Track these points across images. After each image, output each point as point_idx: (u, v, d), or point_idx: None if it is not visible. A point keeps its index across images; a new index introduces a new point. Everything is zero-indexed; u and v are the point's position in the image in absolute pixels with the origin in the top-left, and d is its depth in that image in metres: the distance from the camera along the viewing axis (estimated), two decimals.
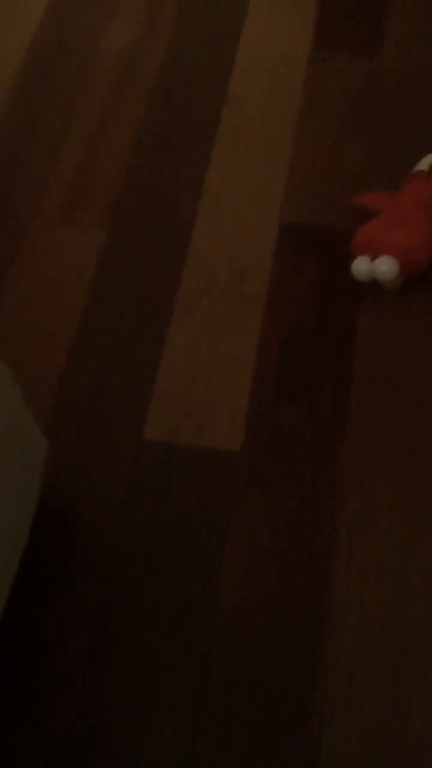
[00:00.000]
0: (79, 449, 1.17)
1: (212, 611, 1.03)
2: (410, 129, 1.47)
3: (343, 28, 1.64)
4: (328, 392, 1.20)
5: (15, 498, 0.97)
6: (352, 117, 1.50)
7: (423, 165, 1.36)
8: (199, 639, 1.01)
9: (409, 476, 1.12)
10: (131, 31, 1.69)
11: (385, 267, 1.26)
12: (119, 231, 1.40)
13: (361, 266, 1.28)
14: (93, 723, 0.97)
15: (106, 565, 1.07)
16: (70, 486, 1.14)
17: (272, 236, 1.37)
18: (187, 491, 1.12)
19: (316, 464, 1.13)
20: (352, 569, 1.05)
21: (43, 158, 1.51)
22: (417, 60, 1.57)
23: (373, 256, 1.27)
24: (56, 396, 1.22)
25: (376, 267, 1.26)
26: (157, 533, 1.09)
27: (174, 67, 1.62)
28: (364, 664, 0.99)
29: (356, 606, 1.03)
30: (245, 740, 0.95)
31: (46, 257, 1.37)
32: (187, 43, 1.65)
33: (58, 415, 1.20)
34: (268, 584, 1.05)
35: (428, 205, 1.30)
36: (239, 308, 1.29)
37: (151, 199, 1.44)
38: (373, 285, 1.29)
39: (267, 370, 1.23)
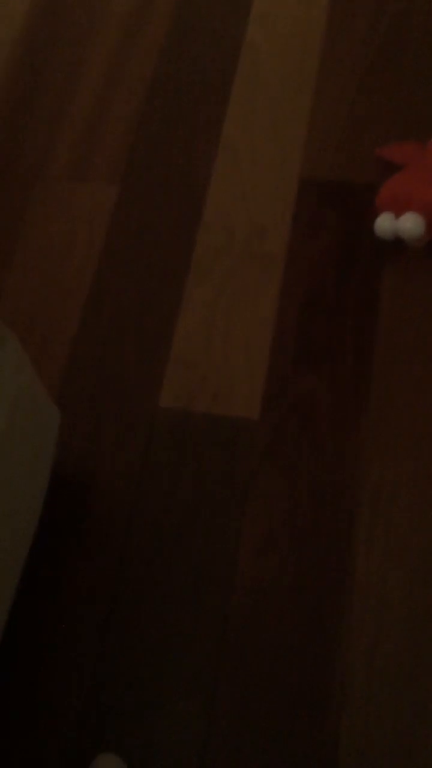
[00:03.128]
0: (93, 418, 1.14)
1: (229, 585, 1.01)
2: None
3: None
4: (350, 358, 1.16)
5: (28, 469, 0.95)
6: (377, 63, 1.43)
7: None
8: (215, 614, 1.00)
9: None
10: None
11: (410, 224, 1.20)
12: (131, 187, 1.35)
13: (385, 223, 1.23)
14: (108, 698, 0.96)
15: (120, 536, 1.05)
16: (84, 456, 1.11)
17: (292, 192, 1.31)
18: (203, 461, 1.10)
19: (337, 434, 1.10)
20: (374, 545, 1.02)
21: (50, 113, 1.45)
22: None
23: (398, 213, 1.22)
24: (68, 363, 1.19)
25: (400, 224, 1.21)
26: (172, 504, 1.07)
27: (187, 13, 1.55)
28: (384, 643, 0.97)
29: (377, 583, 1.00)
30: (262, 719, 0.94)
31: (56, 216, 1.33)
32: None
33: (70, 383, 1.17)
34: (286, 559, 1.02)
35: None
36: (258, 268, 1.25)
37: (164, 154, 1.38)
38: (398, 243, 1.23)
39: (286, 335, 1.18)
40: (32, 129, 1.44)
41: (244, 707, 0.95)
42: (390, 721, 0.93)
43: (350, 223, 1.28)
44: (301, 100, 1.41)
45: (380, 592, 1.00)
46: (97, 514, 1.07)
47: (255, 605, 1.00)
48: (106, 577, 1.03)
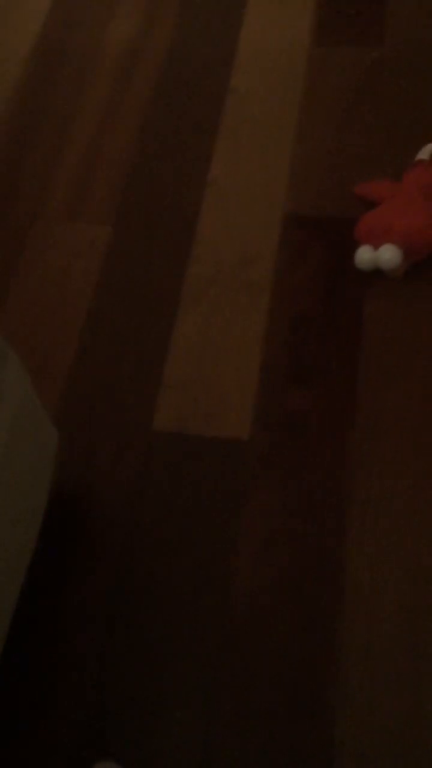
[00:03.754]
0: (90, 439, 1.18)
1: (226, 593, 1.04)
2: (411, 118, 1.48)
3: (343, 18, 1.65)
4: (337, 379, 1.21)
5: (27, 488, 0.97)
6: (354, 107, 1.51)
7: (424, 154, 1.37)
8: (213, 623, 1.02)
9: (419, 460, 1.12)
10: (133, 26, 1.70)
11: (388, 255, 1.26)
12: (124, 225, 1.41)
13: (365, 255, 1.28)
14: (109, 704, 0.97)
15: (118, 553, 1.08)
16: (81, 476, 1.14)
17: (277, 226, 1.38)
18: (197, 480, 1.13)
19: (326, 450, 1.14)
20: (364, 553, 1.06)
21: (47, 155, 1.52)
22: (418, 48, 1.58)
23: (376, 245, 1.28)
24: (66, 387, 1.23)
25: (379, 255, 1.27)
26: (168, 521, 1.10)
27: (176, 61, 1.63)
28: (379, 645, 0.99)
29: (369, 589, 1.03)
30: (260, 723, 0.96)
31: (53, 252, 1.38)
32: (189, 36, 1.66)
33: (68, 405, 1.21)
34: (281, 567, 1.05)
35: (429, 192, 1.31)
36: (246, 297, 1.30)
37: (155, 193, 1.45)
38: (378, 273, 1.29)
39: (275, 358, 1.23)
40: (29, 170, 1.50)
41: (243, 711, 0.97)
42: (386, 720, 0.95)
43: (333, 254, 1.33)
44: (284, 141, 1.48)
45: (372, 596, 1.03)
46: (94, 531, 1.10)
47: (251, 612, 1.02)
48: (106, 591, 1.05)
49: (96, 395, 1.22)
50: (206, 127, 1.52)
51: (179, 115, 1.55)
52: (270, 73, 1.58)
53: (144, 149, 1.51)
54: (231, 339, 1.26)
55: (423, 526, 1.07)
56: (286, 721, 0.95)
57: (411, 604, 1.02)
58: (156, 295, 1.32)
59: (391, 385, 1.19)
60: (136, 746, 0.95)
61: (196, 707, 0.97)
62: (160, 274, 1.35)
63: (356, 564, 1.05)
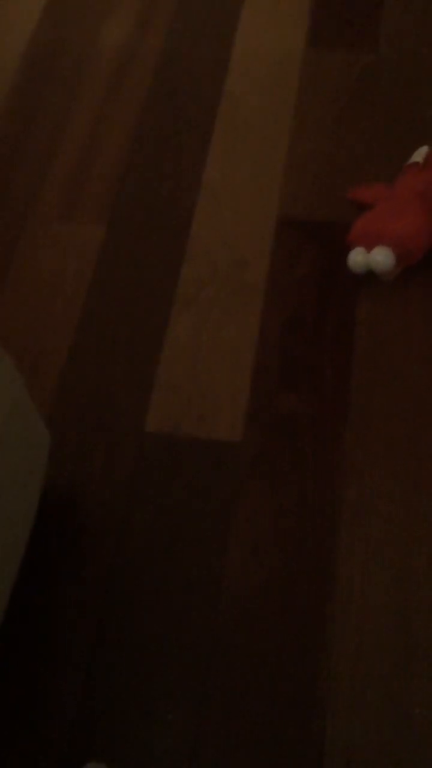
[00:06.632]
0: (82, 441, 1.17)
1: (216, 594, 1.04)
2: (404, 122, 1.49)
3: (337, 23, 1.66)
4: (329, 381, 1.21)
5: (18, 489, 0.97)
6: (348, 111, 1.52)
7: (417, 157, 1.38)
8: (203, 625, 1.02)
9: (410, 463, 1.13)
10: (128, 28, 1.70)
11: (380, 257, 1.26)
12: (118, 226, 1.41)
13: (358, 258, 1.29)
14: (98, 709, 0.97)
15: (109, 555, 1.08)
16: (73, 477, 1.14)
17: (271, 229, 1.38)
18: (189, 482, 1.13)
19: (318, 452, 1.14)
20: (355, 555, 1.06)
21: (41, 155, 1.52)
22: (411, 54, 1.59)
23: (369, 248, 1.28)
24: (58, 388, 1.23)
25: (372, 258, 1.27)
26: (160, 523, 1.10)
27: (171, 64, 1.63)
28: (369, 647, 0.99)
29: (359, 591, 1.03)
30: (249, 726, 0.96)
31: (46, 253, 1.38)
32: (184, 38, 1.67)
33: (60, 407, 1.21)
34: (271, 570, 1.05)
35: (423, 195, 1.31)
36: (239, 299, 1.30)
37: (149, 195, 1.45)
38: (371, 276, 1.30)
39: (268, 360, 1.24)
40: (23, 170, 1.50)
41: (233, 712, 0.97)
42: (376, 721, 0.95)
43: (326, 257, 1.34)
44: (278, 144, 1.49)
45: (362, 599, 1.03)
46: (86, 533, 1.09)
47: (241, 614, 1.03)
48: (97, 592, 1.05)
49: (88, 396, 1.22)
50: (201, 129, 1.52)
51: (174, 117, 1.55)
52: (264, 76, 1.59)
53: (138, 150, 1.51)
54: (224, 341, 1.26)
55: (413, 528, 1.07)
56: (275, 723, 0.95)
57: (401, 606, 1.02)
58: (149, 297, 1.32)
59: (382, 388, 1.19)
60: (126, 747, 0.95)
61: (186, 708, 0.97)
62: (153, 275, 1.35)
63: (347, 566, 1.05)
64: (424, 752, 0.93)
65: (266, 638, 1.01)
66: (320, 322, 1.27)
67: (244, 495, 1.11)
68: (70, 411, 1.20)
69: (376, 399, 1.18)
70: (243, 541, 1.08)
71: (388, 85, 1.55)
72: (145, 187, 1.46)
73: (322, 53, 1.61)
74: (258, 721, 0.96)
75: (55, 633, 1.02)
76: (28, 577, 1.05)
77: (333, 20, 1.66)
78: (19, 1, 1.78)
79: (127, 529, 1.10)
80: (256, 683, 0.98)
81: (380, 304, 1.28)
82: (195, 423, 1.18)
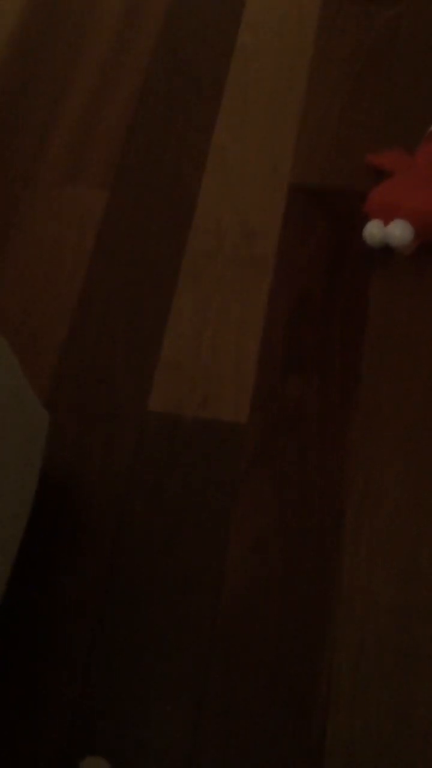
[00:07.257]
0: (82, 422, 1.14)
1: (217, 589, 1.02)
2: (428, 84, 1.41)
3: None
4: (338, 363, 1.16)
5: (16, 472, 0.95)
6: (367, 70, 1.44)
7: None
8: (203, 618, 1.00)
9: (420, 452, 1.09)
10: None
11: (398, 232, 1.21)
12: (122, 191, 1.35)
13: (374, 231, 1.23)
14: (96, 704, 0.96)
15: (108, 541, 1.05)
16: (73, 459, 1.12)
17: (282, 197, 1.32)
18: (192, 465, 1.10)
19: (325, 439, 1.11)
20: (360, 548, 1.03)
21: (42, 115, 1.45)
22: None
23: (387, 220, 1.23)
24: (58, 366, 1.19)
25: (389, 232, 1.22)
26: (161, 509, 1.07)
27: (179, 18, 1.55)
28: (371, 646, 0.97)
29: (364, 586, 1.01)
30: (249, 723, 0.94)
31: (47, 219, 1.33)
32: None
33: (59, 386, 1.17)
34: (273, 562, 1.03)
35: None
36: (247, 273, 1.25)
37: (155, 158, 1.38)
38: (386, 250, 1.24)
39: (275, 339, 1.19)
40: (23, 133, 1.44)
41: (232, 710, 0.95)
42: (378, 719, 0.93)
43: (339, 229, 1.28)
44: (292, 106, 1.42)
45: (367, 594, 1.00)
46: (84, 518, 1.07)
47: (242, 608, 1.00)
48: (96, 581, 1.03)
49: (89, 375, 1.18)
50: (211, 88, 1.45)
51: (182, 75, 1.47)
52: (279, 30, 1.51)
53: (144, 111, 1.44)
54: (230, 319, 1.21)
55: (421, 523, 1.04)
56: (276, 719, 0.94)
57: (405, 604, 0.99)
58: (153, 270, 1.27)
59: (394, 373, 1.15)
60: (124, 742, 0.94)
61: (185, 703, 0.95)
62: (157, 247, 1.29)
63: (351, 562, 1.02)
64: (426, 752, 0.92)
65: (267, 633, 0.99)
66: (331, 300, 1.22)
67: (247, 482, 1.08)
68: (69, 390, 1.17)
69: (387, 384, 1.14)
70: (246, 530, 1.05)
71: (410, 43, 1.46)
72: (150, 150, 1.39)
73: (340, 6, 1.52)
74: (258, 719, 0.94)
75: (51, 622, 1.01)
76: (25, 563, 1.03)
77: None
78: None
79: (127, 515, 1.07)
80: (257, 677, 0.97)
81: (394, 282, 1.22)
82: (198, 405, 1.15)
